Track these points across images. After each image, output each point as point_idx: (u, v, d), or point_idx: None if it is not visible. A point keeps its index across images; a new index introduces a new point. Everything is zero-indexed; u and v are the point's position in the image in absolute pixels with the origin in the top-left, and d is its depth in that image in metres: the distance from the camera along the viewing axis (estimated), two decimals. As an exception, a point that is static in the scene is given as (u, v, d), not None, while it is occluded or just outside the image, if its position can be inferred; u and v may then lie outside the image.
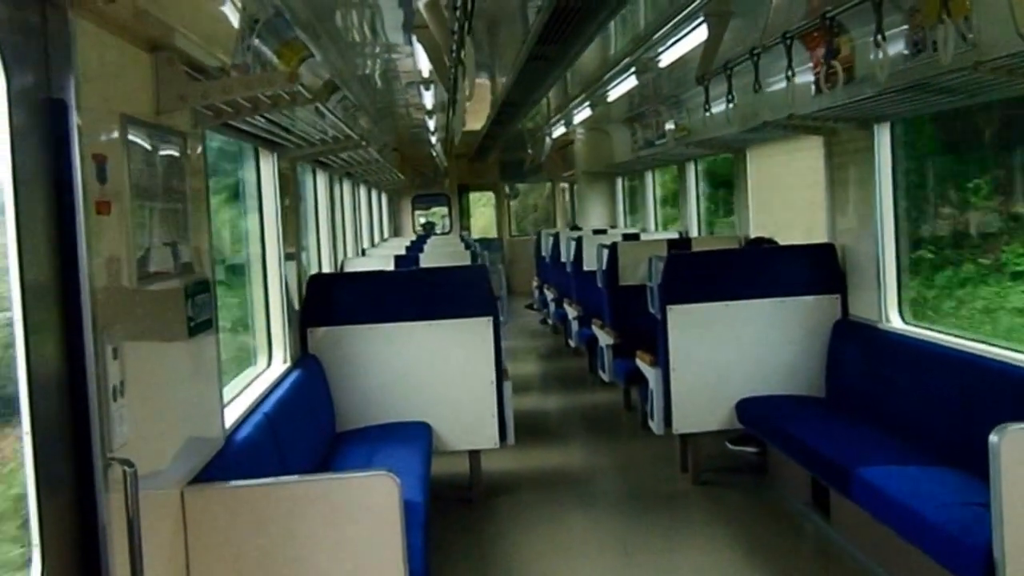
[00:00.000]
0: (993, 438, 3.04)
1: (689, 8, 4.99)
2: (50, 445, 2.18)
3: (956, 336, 4.88)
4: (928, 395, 4.66)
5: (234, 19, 3.26)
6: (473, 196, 19.44)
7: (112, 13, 2.37)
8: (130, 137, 2.56)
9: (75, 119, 2.20)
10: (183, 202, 3.03)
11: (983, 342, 4.67)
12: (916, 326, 5.32)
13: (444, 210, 18.57)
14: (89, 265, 2.25)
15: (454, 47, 4.53)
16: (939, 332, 5.05)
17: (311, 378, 5.21)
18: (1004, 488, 3.04)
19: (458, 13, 3.89)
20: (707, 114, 6.32)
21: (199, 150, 3.23)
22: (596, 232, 11.11)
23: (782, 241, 6.74)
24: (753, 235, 7.58)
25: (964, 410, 4.34)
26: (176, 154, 2.98)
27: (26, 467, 2.14)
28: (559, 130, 12.40)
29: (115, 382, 2.37)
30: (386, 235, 15.72)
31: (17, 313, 2.11)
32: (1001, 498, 3.05)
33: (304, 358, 5.43)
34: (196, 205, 3.16)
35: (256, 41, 4.22)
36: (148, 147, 2.73)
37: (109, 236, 2.41)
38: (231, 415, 3.76)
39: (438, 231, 17.94)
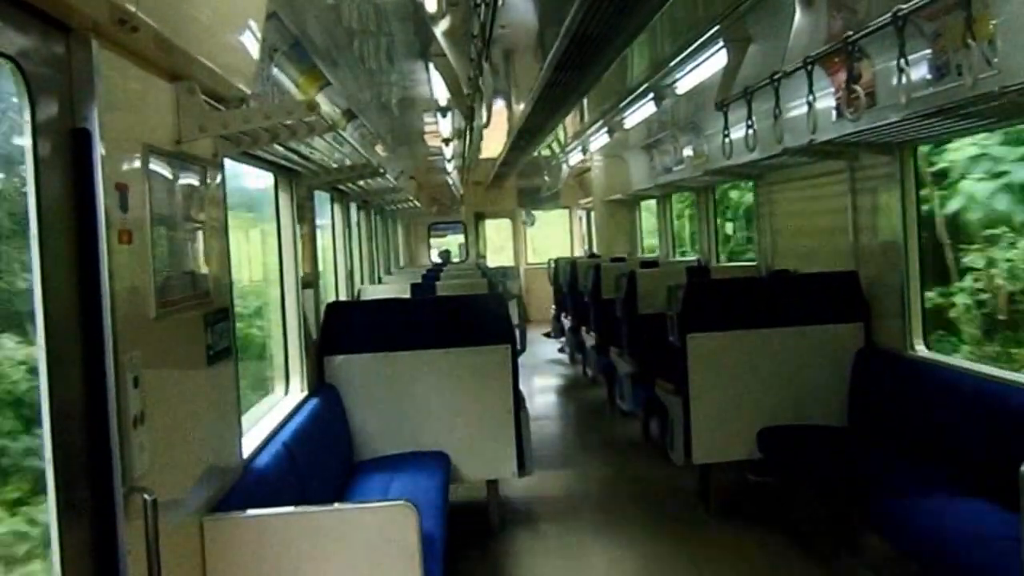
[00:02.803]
0: None
1: (708, 34, 4.99)
2: (71, 473, 2.17)
3: (984, 365, 4.80)
4: (955, 425, 4.57)
5: (254, 49, 3.27)
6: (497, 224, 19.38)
7: (135, 43, 2.38)
8: (151, 166, 2.57)
9: (99, 149, 2.21)
10: (202, 230, 3.03)
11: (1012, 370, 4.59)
12: (942, 354, 5.23)
13: (460, 238, 18.55)
14: (111, 293, 2.24)
15: (472, 75, 4.54)
16: (966, 361, 4.96)
17: (329, 407, 5.18)
18: None
19: (476, 42, 3.90)
20: (726, 140, 6.29)
21: (218, 178, 3.24)
22: (614, 260, 11.07)
23: (802, 270, 6.67)
24: (769, 261, 7.51)
25: (992, 440, 4.24)
26: (196, 182, 2.98)
27: (48, 495, 2.13)
28: (576, 157, 12.43)
29: (135, 411, 2.36)
30: (402, 263, 15.74)
31: (40, 341, 2.10)
32: None
33: (321, 386, 5.40)
34: (215, 233, 3.16)
35: (275, 70, 4.25)
36: (169, 176, 2.73)
37: (130, 265, 2.41)
38: (249, 444, 3.74)
39: (455, 259, 17.89)
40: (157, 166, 2.62)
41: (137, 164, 2.49)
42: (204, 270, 3.04)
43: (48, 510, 2.14)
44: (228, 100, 3.13)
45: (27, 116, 2.07)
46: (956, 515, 3.88)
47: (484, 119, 5.45)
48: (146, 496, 2.33)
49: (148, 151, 2.55)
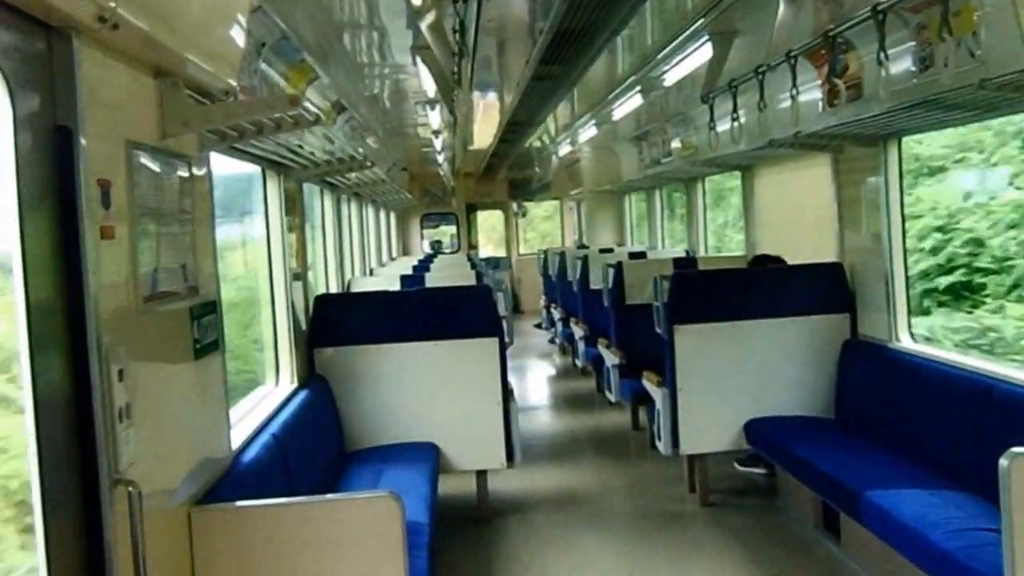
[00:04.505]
0: (1003, 462, 3.00)
1: (694, 27, 5.01)
2: (56, 466, 2.18)
3: (968, 357, 4.84)
4: (939, 417, 4.61)
5: (240, 43, 3.27)
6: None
7: (117, 39, 2.38)
8: (134, 162, 2.58)
9: (81, 145, 2.21)
10: (188, 224, 3.05)
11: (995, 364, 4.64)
12: (927, 346, 5.27)
13: (453, 229, 18.60)
14: (94, 288, 2.26)
15: (455, 68, 4.55)
16: (950, 353, 5.01)
17: (318, 398, 5.21)
18: (1015, 513, 2.99)
19: (456, 36, 3.92)
20: (713, 132, 6.33)
21: (204, 173, 3.25)
22: (603, 251, 11.11)
23: (789, 260, 6.71)
24: (758, 252, 7.55)
25: (975, 432, 4.29)
26: (181, 177, 2.99)
27: (32, 488, 2.14)
28: (565, 148, 12.44)
29: (121, 404, 2.38)
30: (394, 254, 15.76)
31: (23, 336, 2.11)
32: (1012, 523, 3.00)
33: (311, 378, 5.42)
34: (201, 227, 3.17)
35: (263, 64, 4.25)
36: (153, 171, 2.74)
37: (114, 259, 2.42)
38: (238, 435, 3.76)
39: (446, 250, 17.97)
40: (141, 161, 2.63)
41: (120, 160, 2.49)
42: (190, 264, 3.05)
43: (32, 503, 2.15)
44: (213, 94, 3.14)
45: (8, 113, 2.08)
46: (939, 506, 3.92)
47: (465, 113, 5.45)
48: (131, 488, 2.34)
49: (131, 147, 2.56)
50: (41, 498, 2.13)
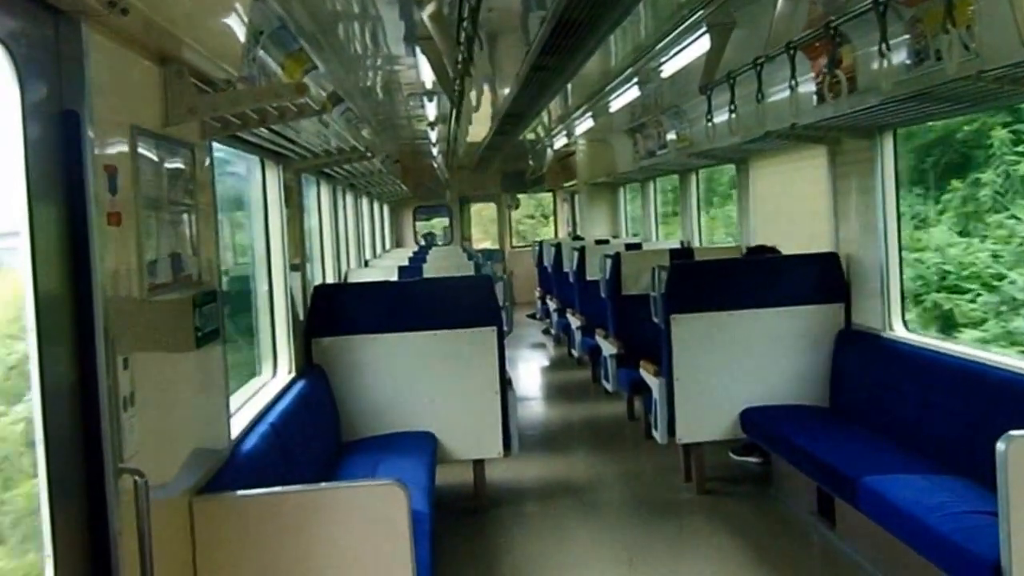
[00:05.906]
0: (1000, 446, 3.04)
1: (692, 18, 5.03)
2: (62, 454, 2.19)
3: (961, 345, 4.89)
4: (933, 404, 4.66)
5: (240, 32, 3.28)
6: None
7: (124, 26, 2.39)
8: (140, 149, 2.58)
9: (87, 131, 2.22)
10: (191, 213, 3.05)
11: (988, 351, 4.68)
12: (920, 335, 5.32)
13: (446, 221, 18.61)
14: (101, 276, 2.26)
15: (460, 58, 4.55)
16: (943, 341, 5.05)
17: (316, 388, 5.22)
18: (1011, 496, 3.04)
19: (464, 24, 3.92)
20: (709, 124, 6.35)
21: (206, 161, 3.25)
22: (598, 242, 11.13)
23: (785, 251, 6.75)
24: (753, 244, 7.58)
25: (969, 418, 4.33)
26: (184, 165, 3.00)
27: (39, 476, 2.15)
28: (560, 141, 12.45)
29: (125, 392, 2.39)
30: (388, 246, 15.75)
31: (31, 323, 2.12)
32: (1008, 506, 3.04)
33: (309, 368, 5.43)
34: (203, 216, 3.18)
35: (261, 53, 4.25)
36: (157, 158, 2.75)
37: (119, 247, 2.43)
38: (237, 425, 3.76)
39: (439, 243, 17.97)
40: (145, 148, 2.64)
41: (125, 146, 2.50)
42: (193, 252, 3.06)
43: (39, 490, 2.16)
44: (216, 83, 3.14)
45: (16, 98, 2.09)
46: (934, 490, 3.96)
47: (473, 102, 5.46)
48: (136, 477, 2.35)
49: (137, 133, 2.56)
50: (48, 486, 2.14)
